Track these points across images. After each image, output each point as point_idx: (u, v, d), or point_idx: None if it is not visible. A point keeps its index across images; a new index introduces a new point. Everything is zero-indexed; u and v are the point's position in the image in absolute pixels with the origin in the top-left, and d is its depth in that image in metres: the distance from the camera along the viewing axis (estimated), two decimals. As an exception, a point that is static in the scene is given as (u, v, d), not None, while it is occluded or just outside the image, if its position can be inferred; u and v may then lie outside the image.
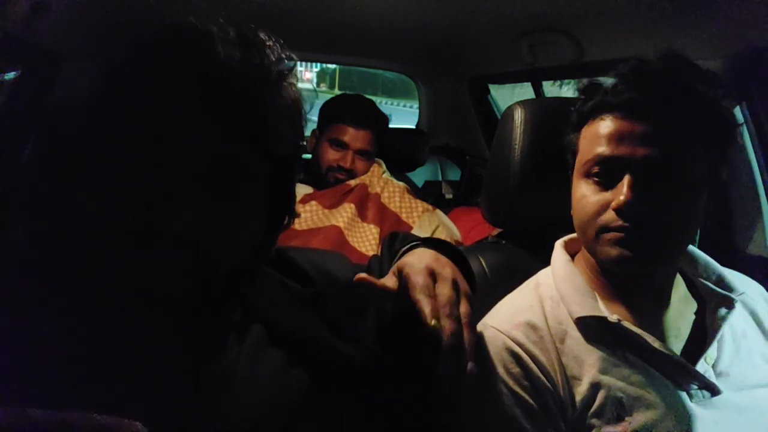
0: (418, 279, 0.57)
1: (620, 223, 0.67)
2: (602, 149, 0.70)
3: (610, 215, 0.68)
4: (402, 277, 0.59)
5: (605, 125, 0.71)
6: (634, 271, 0.70)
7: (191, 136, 0.48)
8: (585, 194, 0.72)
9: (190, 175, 0.48)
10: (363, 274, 0.59)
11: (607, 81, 0.73)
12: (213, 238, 0.49)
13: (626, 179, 0.67)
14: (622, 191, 0.67)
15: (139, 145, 0.47)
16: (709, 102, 0.69)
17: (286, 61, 0.54)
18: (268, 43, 0.53)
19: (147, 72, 0.48)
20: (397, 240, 0.79)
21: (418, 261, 0.60)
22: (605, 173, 0.70)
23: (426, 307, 0.53)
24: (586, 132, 0.75)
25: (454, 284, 0.58)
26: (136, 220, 0.47)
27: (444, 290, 0.56)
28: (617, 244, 0.68)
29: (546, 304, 0.75)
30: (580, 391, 0.68)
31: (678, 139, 0.67)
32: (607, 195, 0.70)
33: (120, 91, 0.49)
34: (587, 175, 0.73)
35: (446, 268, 0.60)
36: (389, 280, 0.60)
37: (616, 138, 0.69)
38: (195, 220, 0.47)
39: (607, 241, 0.69)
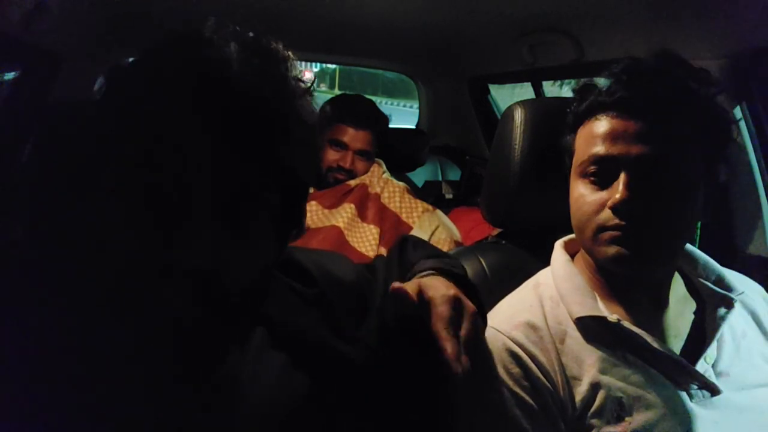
0: (443, 310, 0.55)
1: (617, 221, 0.67)
2: (598, 149, 0.70)
3: (606, 214, 0.68)
4: (424, 298, 0.57)
5: (600, 125, 0.71)
6: (632, 270, 0.71)
7: (204, 162, 0.46)
8: (582, 194, 0.72)
9: (201, 203, 0.46)
10: (398, 284, 0.57)
11: (602, 82, 0.74)
12: (224, 268, 0.48)
13: (622, 177, 0.67)
14: (618, 189, 0.67)
15: (150, 168, 0.46)
16: (702, 99, 0.70)
17: (303, 77, 0.52)
18: (288, 60, 0.51)
19: (159, 92, 0.47)
20: (408, 246, 0.78)
21: (444, 287, 0.58)
22: (601, 172, 0.71)
23: (450, 347, 0.52)
24: (582, 132, 0.75)
25: (474, 319, 0.57)
26: (143, 244, 0.46)
27: (467, 327, 0.55)
28: (614, 242, 0.68)
29: (546, 304, 0.75)
30: (580, 391, 0.68)
31: (672, 136, 0.68)
32: (603, 194, 0.70)
33: (131, 109, 0.47)
34: (584, 175, 0.73)
35: (468, 303, 0.58)
36: (411, 287, 0.58)
37: (611, 137, 0.69)
38: (206, 250, 0.46)
39: (604, 240, 0.69)
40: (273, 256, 0.56)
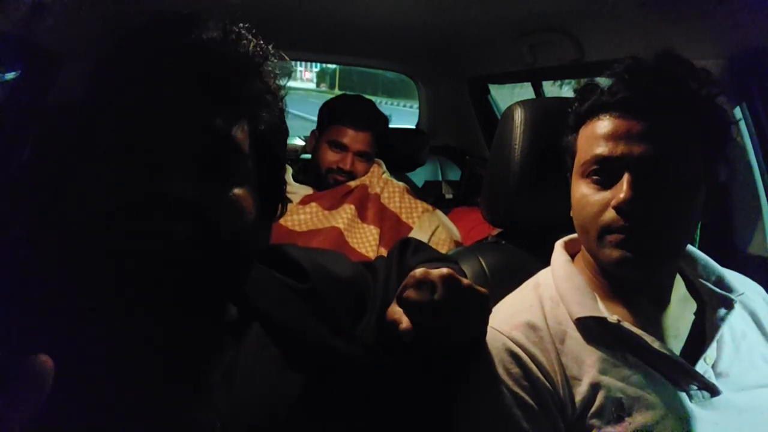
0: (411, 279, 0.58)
1: (621, 222, 0.67)
2: (601, 149, 0.70)
3: (611, 214, 0.68)
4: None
5: (603, 125, 0.71)
6: (636, 274, 0.71)
7: (182, 113, 0.50)
8: (585, 194, 0.72)
9: (184, 147, 0.50)
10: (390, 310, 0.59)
11: (604, 82, 0.74)
12: (212, 206, 0.50)
13: (626, 177, 0.67)
14: (622, 189, 0.67)
15: (136, 127, 0.49)
16: (702, 99, 0.70)
17: (263, 51, 0.56)
18: (245, 33, 0.55)
19: (139, 57, 0.50)
20: (408, 250, 0.78)
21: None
22: (604, 173, 0.71)
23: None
24: (584, 132, 0.75)
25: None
26: (136, 192, 0.48)
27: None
28: (619, 246, 0.68)
29: (546, 305, 0.75)
30: (580, 391, 0.68)
31: (673, 136, 0.68)
32: (606, 194, 0.70)
33: (114, 79, 0.51)
34: (586, 175, 0.73)
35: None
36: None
37: (614, 137, 0.69)
38: (193, 186, 0.49)
39: (609, 243, 0.69)
40: (258, 214, 0.57)
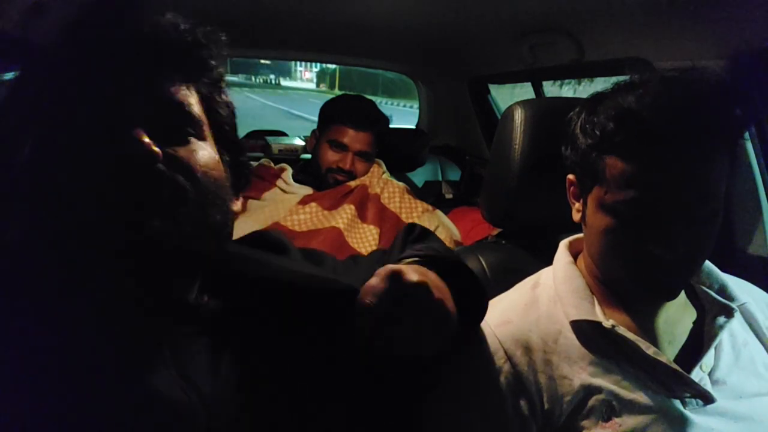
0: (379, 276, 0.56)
1: (659, 266, 0.65)
2: (643, 194, 0.65)
3: (646, 256, 0.65)
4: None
5: (647, 163, 0.64)
6: (661, 300, 0.71)
7: (136, 83, 0.52)
8: (614, 229, 0.68)
9: (144, 114, 0.51)
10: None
11: (641, 105, 0.65)
12: (185, 160, 0.52)
13: (668, 223, 0.64)
14: (663, 236, 0.64)
15: (102, 101, 0.51)
16: (739, 126, 0.68)
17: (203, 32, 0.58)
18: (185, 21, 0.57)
19: (89, 37, 0.54)
20: (413, 235, 0.78)
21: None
22: (641, 215, 0.66)
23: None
24: (618, 164, 0.67)
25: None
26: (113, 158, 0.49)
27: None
28: (651, 283, 0.68)
29: (542, 304, 0.75)
30: (569, 392, 0.68)
31: (717, 169, 0.65)
32: (641, 234, 0.66)
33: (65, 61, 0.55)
34: (617, 211, 0.67)
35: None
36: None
37: (659, 179, 0.64)
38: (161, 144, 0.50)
39: (636, 279, 0.69)
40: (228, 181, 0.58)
